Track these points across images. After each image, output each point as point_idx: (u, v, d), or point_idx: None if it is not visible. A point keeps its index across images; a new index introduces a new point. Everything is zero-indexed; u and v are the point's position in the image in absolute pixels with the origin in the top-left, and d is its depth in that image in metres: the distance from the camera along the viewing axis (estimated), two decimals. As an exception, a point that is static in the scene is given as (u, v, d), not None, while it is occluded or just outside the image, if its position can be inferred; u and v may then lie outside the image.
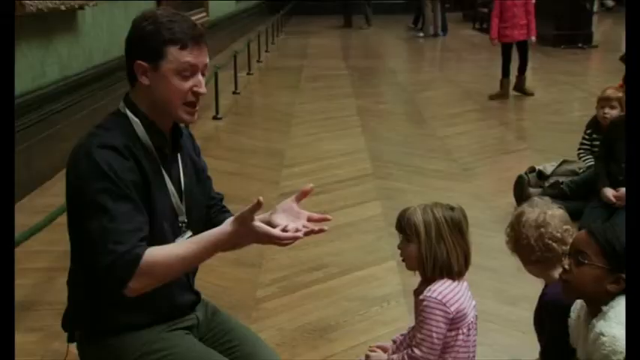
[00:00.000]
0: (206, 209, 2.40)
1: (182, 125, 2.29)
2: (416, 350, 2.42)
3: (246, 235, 2.01)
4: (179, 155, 2.25)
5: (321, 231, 2.16)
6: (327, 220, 2.24)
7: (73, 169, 2.06)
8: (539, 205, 2.72)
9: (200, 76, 2.14)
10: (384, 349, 2.63)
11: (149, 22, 2.10)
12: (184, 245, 2.05)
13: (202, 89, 2.14)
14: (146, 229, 2.03)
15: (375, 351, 2.64)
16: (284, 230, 2.04)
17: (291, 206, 2.24)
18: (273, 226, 2.06)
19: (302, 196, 2.26)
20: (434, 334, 2.40)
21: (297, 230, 2.06)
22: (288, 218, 2.20)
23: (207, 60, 2.17)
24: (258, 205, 1.96)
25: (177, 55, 2.08)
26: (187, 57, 2.09)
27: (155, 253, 1.99)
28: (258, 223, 2.00)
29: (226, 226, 2.02)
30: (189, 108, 2.14)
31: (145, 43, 2.09)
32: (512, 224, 2.72)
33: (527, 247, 2.66)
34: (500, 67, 10.00)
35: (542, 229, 2.63)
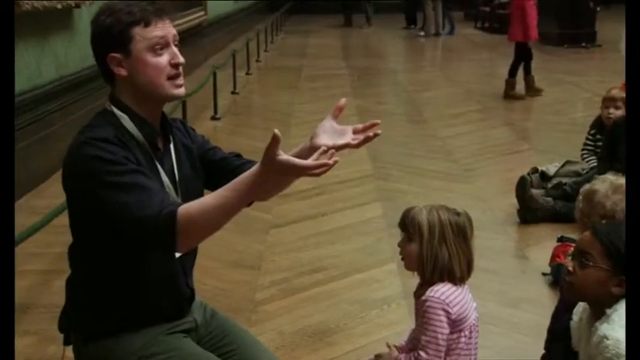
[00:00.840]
0: (227, 170, 2.33)
1: (175, 122, 2.29)
2: (422, 354, 2.42)
3: (274, 170, 1.89)
4: (171, 147, 2.24)
5: (375, 135, 2.11)
6: (375, 124, 2.14)
7: (72, 167, 2.05)
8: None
9: (174, 47, 2.12)
10: (401, 350, 2.62)
11: (106, 15, 2.10)
12: (217, 194, 1.97)
13: (180, 59, 2.12)
14: (163, 191, 2.04)
15: (390, 348, 2.63)
16: (320, 156, 1.88)
17: (332, 125, 2.18)
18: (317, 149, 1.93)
19: (337, 111, 2.19)
20: (439, 335, 2.41)
21: (331, 153, 1.88)
22: (332, 138, 2.14)
23: (174, 31, 2.15)
24: (275, 140, 1.87)
25: (144, 33, 2.07)
26: (154, 31, 2.08)
27: (190, 209, 1.94)
28: (284, 157, 1.88)
29: (256, 167, 1.94)
30: (175, 81, 2.12)
31: (109, 34, 2.08)
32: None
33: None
34: (502, 66, 9.99)
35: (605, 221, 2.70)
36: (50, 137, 6.14)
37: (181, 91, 2.15)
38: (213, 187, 2.07)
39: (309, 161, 1.87)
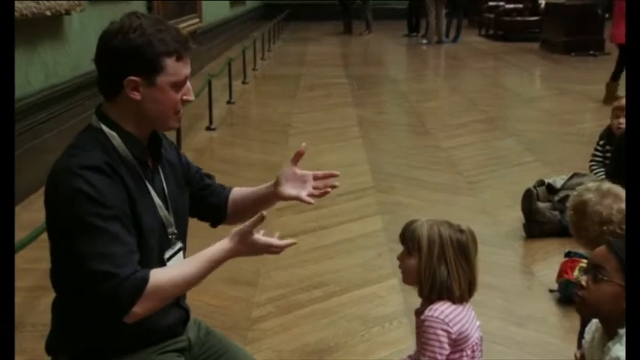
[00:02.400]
0: (204, 194, 2.47)
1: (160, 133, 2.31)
2: None
3: (246, 251, 2.11)
4: (159, 165, 2.25)
5: (333, 187, 2.37)
6: (334, 176, 2.41)
7: (54, 194, 2.05)
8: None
9: (189, 84, 2.17)
10: None
11: (137, 34, 2.04)
12: (185, 265, 2.10)
13: (192, 97, 2.18)
14: (136, 249, 2.05)
15: None
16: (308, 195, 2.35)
17: (293, 173, 2.38)
18: (284, 198, 2.32)
19: (298, 157, 2.39)
20: (438, 356, 2.40)
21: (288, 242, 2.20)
22: (294, 187, 2.35)
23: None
24: (260, 220, 2.05)
25: (175, 67, 2.09)
26: (183, 68, 2.11)
27: (159, 276, 2.01)
28: (257, 237, 2.10)
29: (225, 242, 2.11)
30: (177, 115, 2.18)
31: (137, 57, 2.04)
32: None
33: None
34: (507, 75, 9.99)
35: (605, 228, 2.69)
36: (39, 148, 6.14)
37: (179, 123, 2.23)
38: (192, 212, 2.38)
39: (279, 242, 2.17)
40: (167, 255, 2.20)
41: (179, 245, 2.26)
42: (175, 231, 2.24)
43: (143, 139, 2.17)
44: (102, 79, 2.12)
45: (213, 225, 2.56)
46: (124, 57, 2.06)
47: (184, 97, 2.14)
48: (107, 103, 2.14)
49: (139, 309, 1.99)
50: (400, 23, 21.36)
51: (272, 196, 2.43)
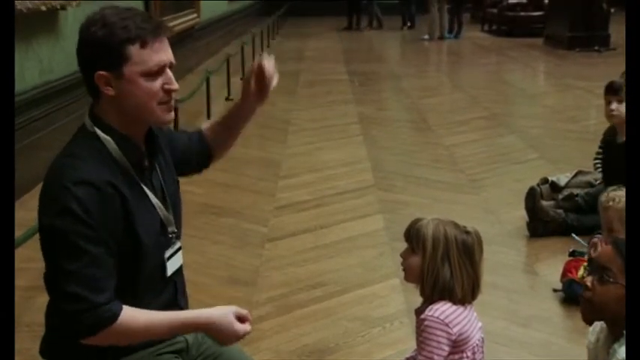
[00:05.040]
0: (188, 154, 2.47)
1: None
2: None
3: (217, 331, 2.12)
4: (156, 163, 2.24)
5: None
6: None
7: (46, 204, 2.04)
8: None
9: (169, 72, 2.08)
10: None
11: (98, 25, 2.02)
12: (158, 319, 2.08)
13: (174, 85, 2.09)
14: (114, 275, 2.04)
15: None
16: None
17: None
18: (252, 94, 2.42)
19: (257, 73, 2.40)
20: (435, 357, 2.40)
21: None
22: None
23: (172, 56, 2.10)
24: (244, 321, 2.16)
25: (140, 55, 2.01)
26: (151, 55, 2.03)
27: (128, 319, 2.01)
28: (235, 324, 2.13)
29: (203, 313, 2.12)
30: (165, 106, 2.09)
31: (100, 49, 2.01)
32: None
33: None
34: (510, 71, 10.00)
35: None
36: (34, 146, 6.13)
37: (171, 115, 2.14)
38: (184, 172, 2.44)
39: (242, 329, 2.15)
40: (167, 254, 2.21)
41: (178, 244, 2.27)
42: (175, 230, 2.24)
43: (138, 139, 2.15)
44: (83, 79, 2.10)
45: (204, 168, 2.59)
46: (89, 52, 2.05)
47: (166, 87, 2.06)
48: (95, 103, 2.12)
49: (95, 340, 2.01)
50: (398, 19, 21.34)
51: (242, 104, 2.47)
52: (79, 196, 1.97)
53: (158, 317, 2.08)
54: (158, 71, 2.05)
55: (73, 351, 2.14)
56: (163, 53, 2.06)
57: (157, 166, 2.23)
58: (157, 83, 2.05)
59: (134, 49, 2.01)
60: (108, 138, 2.08)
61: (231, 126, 2.54)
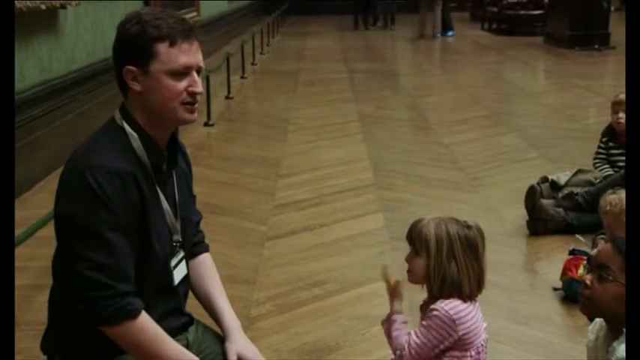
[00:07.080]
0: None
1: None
2: (405, 352, 2.46)
3: None
4: (174, 171, 2.26)
5: None
6: None
7: (67, 192, 2.06)
8: None
9: (195, 75, 2.13)
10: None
11: (132, 22, 2.08)
12: (168, 340, 2.10)
13: (199, 88, 2.13)
14: (133, 265, 2.06)
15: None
16: None
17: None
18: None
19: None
20: (428, 344, 2.43)
21: None
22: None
23: (201, 58, 2.15)
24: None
25: (168, 54, 2.06)
26: (179, 55, 2.07)
27: (145, 321, 2.04)
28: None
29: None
30: (189, 106, 2.13)
31: (131, 45, 2.07)
32: None
33: None
34: (510, 70, 10.00)
35: None
36: (33, 145, 6.13)
37: (194, 117, 2.16)
38: None
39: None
40: (173, 263, 2.22)
41: (182, 254, 2.27)
42: (180, 239, 2.25)
43: (161, 142, 2.18)
44: (115, 74, 2.14)
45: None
46: (120, 47, 2.11)
47: (190, 89, 2.10)
48: (125, 100, 2.17)
49: (109, 330, 2.02)
50: (400, 18, 21.33)
51: (218, 323, 2.42)
52: (101, 182, 1.99)
53: (169, 339, 2.10)
54: (183, 72, 2.10)
55: (75, 344, 2.15)
56: (192, 55, 2.11)
57: (173, 173, 2.25)
58: (182, 84, 2.10)
59: (162, 48, 2.06)
60: (134, 134, 2.12)
61: (200, 299, 2.49)
